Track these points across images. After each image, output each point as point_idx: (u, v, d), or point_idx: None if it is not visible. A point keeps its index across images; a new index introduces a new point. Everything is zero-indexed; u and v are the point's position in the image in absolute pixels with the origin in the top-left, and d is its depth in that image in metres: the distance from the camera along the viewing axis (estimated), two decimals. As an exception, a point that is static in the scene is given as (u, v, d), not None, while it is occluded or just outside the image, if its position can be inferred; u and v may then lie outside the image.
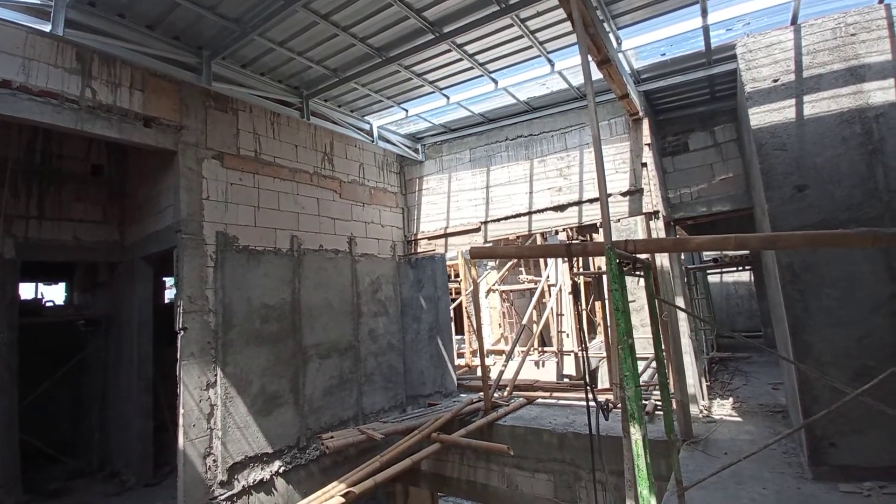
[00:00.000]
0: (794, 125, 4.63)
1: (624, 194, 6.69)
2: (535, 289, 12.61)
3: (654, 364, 7.33)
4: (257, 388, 5.85)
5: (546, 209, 7.41)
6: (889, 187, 4.20)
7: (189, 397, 5.13)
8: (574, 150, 7.28)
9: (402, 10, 4.89)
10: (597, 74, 4.91)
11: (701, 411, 6.20)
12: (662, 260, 6.08)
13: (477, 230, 8.05)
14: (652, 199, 6.44)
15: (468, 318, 13.71)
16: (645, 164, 6.57)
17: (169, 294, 9.66)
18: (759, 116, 4.78)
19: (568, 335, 12.14)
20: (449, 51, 5.75)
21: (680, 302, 6.30)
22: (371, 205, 8.18)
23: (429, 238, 8.62)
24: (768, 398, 6.99)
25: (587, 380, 4.29)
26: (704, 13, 5.07)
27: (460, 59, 5.97)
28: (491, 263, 14.98)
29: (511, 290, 14.77)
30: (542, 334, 12.96)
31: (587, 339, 12.02)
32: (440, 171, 8.62)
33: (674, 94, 6.83)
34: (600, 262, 11.68)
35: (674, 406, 5.29)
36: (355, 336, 7.40)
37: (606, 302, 8.82)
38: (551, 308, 12.20)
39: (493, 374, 9.02)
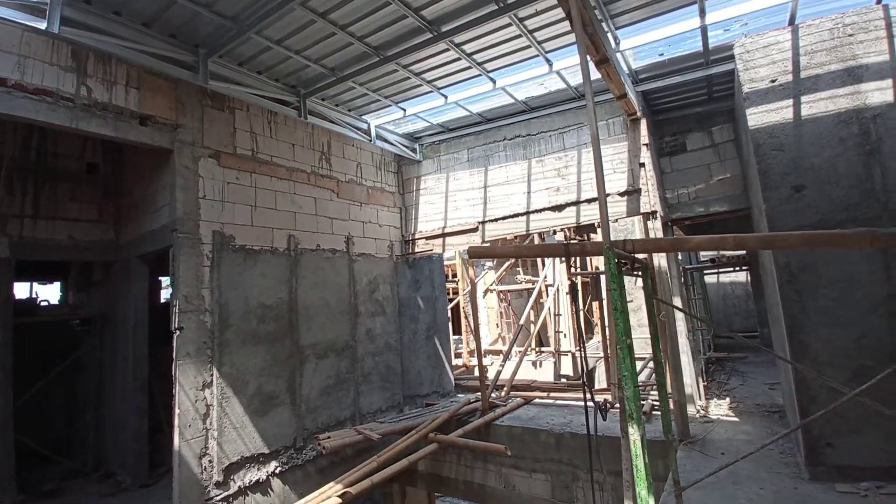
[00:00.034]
0: (792, 126, 4.64)
1: (622, 194, 6.69)
2: (533, 289, 12.61)
3: (651, 364, 7.33)
4: (254, 389, 5.82)
5: (544, 209, 7.41)
6: (886, 188, 4.21)
7: (185, 397, 5.10)
8: (572, 150, 7.28)
9: (400, 8, 4.88)
10: (595, 74, 4.90)
11: (698, 411, 6.20)
12: (660, 260, 6.08)
13: (475, 230, 8.04)
14: (650, 199, 6.44)
15: (466, 318, 13.70)
16: (643, 165, 6.58)
17: (165, 294, 9.60)
18: (757, 117, 4.78)
19: (565, 335, 12.15)
20: (447, 50, 5.74)
21: (677, 302, 6.30)
22: (369, 204, 8.15)
23: (426, 238, 8.61)
24: (765, 398, 7.00)
25: (585, 380, 4.28)
26: (702, 13, 5.07)
27: (458, 59, 5.95)
28: (488, 263, 14.98)
29: (508, 290, 14.77)
30: (540, 334, 12.97)
31: (584, 339, 12.02)
32: (438, 171, 8.60)
33: (672, 95, 6.84)
34: (598, 262, 11.70)
35: (671, 406, 5.29)
36: (352, 336, 7.38)
37: (604, 302, 8.83)
38: (549, 308, 12.21)
39: (491, 375, 9.01)
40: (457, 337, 14.58)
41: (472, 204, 8.13)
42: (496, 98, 7.22)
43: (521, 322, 10.99)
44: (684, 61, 6.14)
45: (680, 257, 8.47)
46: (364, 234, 7.94)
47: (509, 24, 5.29)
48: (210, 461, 5.21)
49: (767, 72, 4.82)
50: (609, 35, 5.27)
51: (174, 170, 5.41)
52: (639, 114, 6.45)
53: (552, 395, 7.97)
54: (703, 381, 7.68)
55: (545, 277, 12.56)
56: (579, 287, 12.72)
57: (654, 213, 6.39)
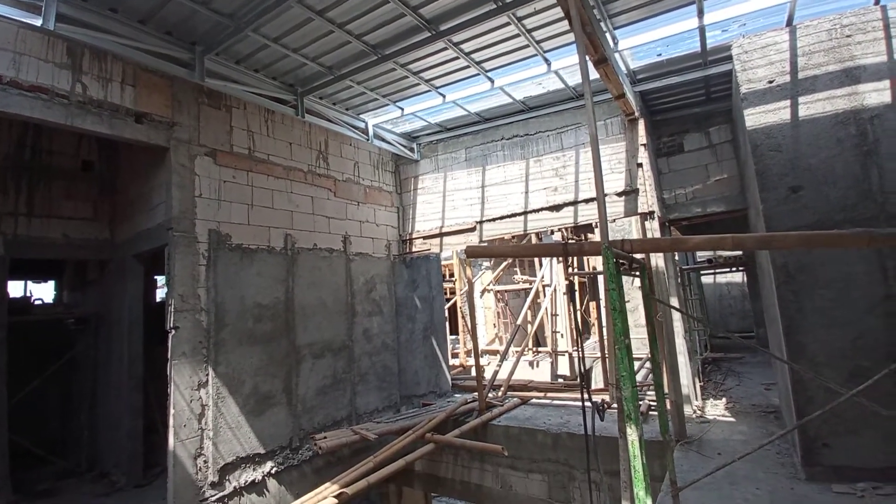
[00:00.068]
0: (790, 126, 4.64)
1: (619, 194, 6.69)
2: (530, 289, 12.60)
3: (647, 364, 7.34)
4: (250, 388, 5.79)
5: (542, 209, 7.40)
6: (883, 189, 4.22)
7: (180, 397, 5.06)
8: (570, 150, 7.27)
9: (398, 7, 4.86)
10: (593, 74, 4.90)
11: (694, 411, 6.21)
12: (657, 260, 6.08)
13: (472, 230, 8.02)
14: (647, 199, 6.44)
15: (463, 317, 13.68)
16: (641, 165, 6.58)
17: (160, 293, 9.55)
18: (755, 117, 4.79)
19: (562, 335, 12.14)
20: (445, 49, 5.72)
21: (674, 302, 6.31)
22: (366, 204, 8.13)
23: (424, 237, 8.59)
24: (761, 399, 7.01)
25: (582, 380, 4.27)
26: (700, 14, 5.07)
27: (456, 58, 5.94)
28: (486, 263, 14.97)
29: (506, 290, 14.76)
30: (537, 334, 12.96)
31: (582, 339, 12.02)
32: (436, 171, 8.58)
33: (669, 95, 6.84)
34: (595, 262, 11.70)
35: (668, 406, 5.29)
36: (349, 336, 7.35)
37: (601, 302, 8.83)
38: (546, 308, 12.20)
39: (488, 375, 8.99)
40: (454, 337, 14.56)
41: (470, 204, 8.11)
42: (494, 98, 7.21)
43: (519, 322, 10.97)
44: (682, 62, 6.15)
45: (677, 257, 8.48)
46: (361, 234, 7.92)
47: (508, 24, 5.28)
48: (205, 461, 5.18)
49: (765, 72, 4.83)
50: (607, 35, 5.27)
51: (170, 168, 5.37)
52: (637, 114, 6.45)
53: (549, 395, 7.96)
54: (700, 382, 7.69)
55: (542, 277, 12.55)
56: (576, 287, 12.72)
57: (651, 213, 6.39)
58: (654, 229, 6.36)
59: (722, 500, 3.94)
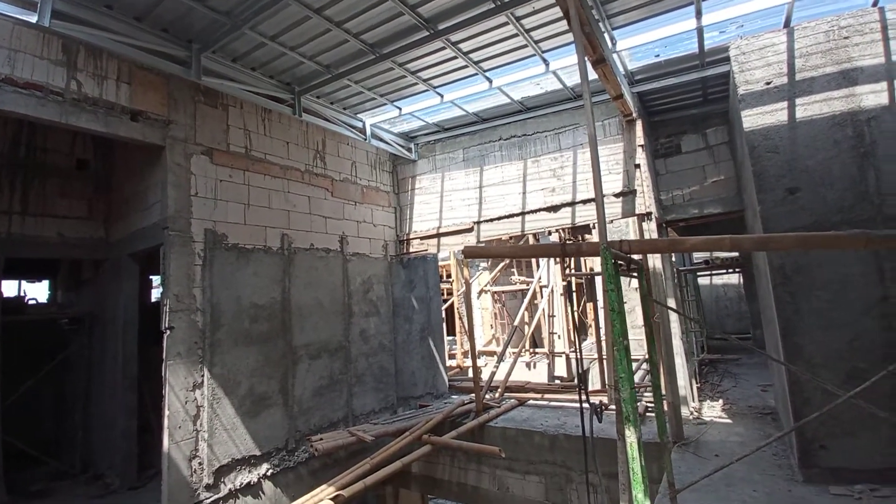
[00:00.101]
0: (787, 128, 4.65)
1: (617, 195, 6.68)
2: (527, 290, 12.60)
3: (644, 366, 7.33)
4: (245, 389, 5.75)
5: (539, 210, 7.39)
6: (880, 190, 4.22)
7: (175, 398, 5.02)
8: (568, 151, 7.26)
9: (396, 5, 4.84)
10: (591, 75, 4.89)
11: (691, 413, 6.21)
12: (655, 261, 6.08)
13: (470, 230, 8.00)
14: (645, 200, 6.44)
15: (460, 318, 13.65)
16: (638, 166, 6.58)
17: (156, 292, 9.49)
18: (752, 119, 4.79)
19: (559, 336, 12.14)
20: (443, 48, 5.70)
21: (672, 304, 6.30)
22: (363, 204, 8.10)
23: (421, 238, 8.56)
24: (757, 400, 7.02)
25: (580, 381, 4.25)
26: (699, 15, 5.07)
27: (455, 57, 5.92)
28: (483, 264, 14.96)
29: (503, 291, 14.76)
30: (534, 336, 12.95)
31: (580, 340, 12.02)
32: (433, 171, 8.56)
33: (667, 96, 6.85)
34: (592, 263, 11.71)
35: (664, 408, 5.28)
36: (346, 336, 7.32)
37: (598, 303, 8.82)
38: (543, 309, 12.19)
39: (485, 376, 8.97)
40: (451, 338, 14.53)
41: (468, 204, 8.09)
42: (492, 98, 7.19)
43: (516, 323, 10.96)
44: (680, 63, 6.15)
45: (674, 259, 8.49)
46: (358, 234, 7.89)
47: (506, 23, 5.27)
48: (200, 463, 5.13)
49: (763, 74, 4.83)
50: (605, 35, 5.26)
51: (166, 167, 5.34)
52: (634, 115, 6.45)
53: (546, 396, 7.95)
54: (697, 383, 7.69)
55: (540, 279, 12.55)
56: (574, 288, 12.72)
57: (649, 214, 6.39)
58: (651, 230, 6.36)
59: (719, 501, 3.93)
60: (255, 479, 5.67)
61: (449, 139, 8.41)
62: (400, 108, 7.38)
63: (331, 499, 4.83)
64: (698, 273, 14.14)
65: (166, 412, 4.95)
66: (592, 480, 4.83)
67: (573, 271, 11.90)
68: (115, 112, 4.98)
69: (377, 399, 7.72)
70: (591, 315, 11.44)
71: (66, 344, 7.18)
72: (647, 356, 5.79)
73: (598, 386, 8.22)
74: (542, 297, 12.40)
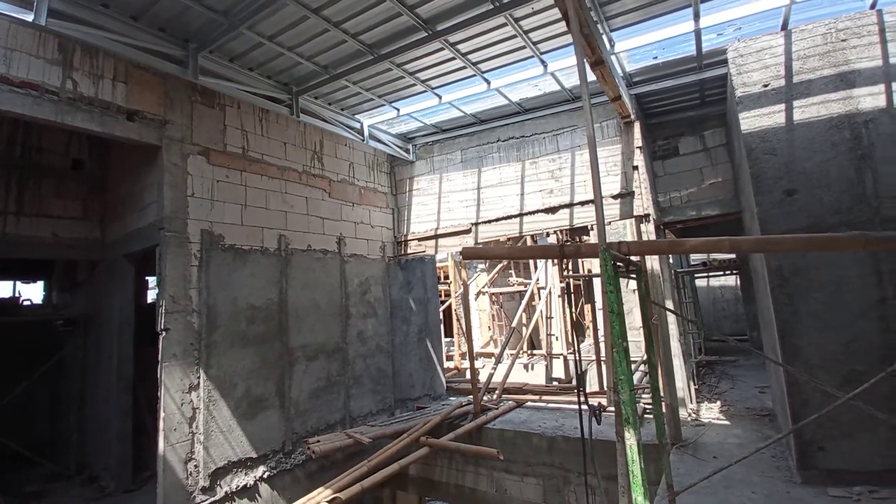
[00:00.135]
0: (784, 130, 4.66)
1: (615, 197, 6.68)
2: (525, 291, 12.59)
3: (642, 367, 7.33)
4: (242, 391, 5.71)
5: (537, 211, 7.38)
6: (878, 193, 4.23)
7: (170, 400, 4.98)
8: (566, 153, 7.26)
9: (394, 6, 4.82)
10: (590, 76, 4.89)
11: (689, 415, 6.20)
12: (653, 263, 6.08)
13: (468, 231, 7.99)
14: (643, 202, 6.44)
15: (457, 320, 13.64)
16: (636, 167, 6.58)
17: (152, 294, 9.44)
18: (750, 121, 4.80)
19: (557, 338, 12.14)
20: (441, 49, 5.69)
21: (669, 305, 6.30)
22: (361, 205, 8.07)
23: (419, 239, 8.54)
24: (755, 401, 7.03)
25: (579, 383, 4.24)
26: (697, 17, 5.08)
27: (453, 58, 5.91)
28: (481, 265, 14.95)
29: (501, 293, 14.75)
30: (532, 337, 12.94)
31: (579, 342, 12.02)
32: (431, 172, 8.55)
33: (664, 98, 6.86)
34: (590, 264, 11.71)
35: (663, 409, 5.28)
36: (343, 338, 7.28)
37: (596, 305, 8.82)
38: (541, 311, 12.19)
39: (483, 377, 8.96)
40: (448, 339, 14.52)
41: (465, 205, 8.08)
42: (490, 99, 7.19)
43: (514, 325, 10.95)
44: (678, 65, 6.16)
45: (671, 260, 8.50)
46: (356, 235, 7.86)
47: (504, 24, 5.26)
48: (196, 466, 5.09)
49: (760, 76, 4.85)
50: (604, 37, 5.26)
51: (162, 167, 5.30)
52: (632, 117, 6.46)
53: (544, 398, 7.94)
54: (695, 385, 7.69)
55: (537, 280, 12.55)
56: (572, 290, 12.72)
57: (647, 216, 6.39)
58: (649, 232, 6.36)
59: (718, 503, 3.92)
60: (252, 482, 5.62)
61: (447, 140, 8.40)
62: (398, 109, 7.37)
63: (328, 501, 4.80)
64: (696, 275, 14.17)
65: (162, 414, 4.91)
66: (591, 482, 4.82)
67: (571, 273, 11.90)
68: (110, 111, 4.94)
69: (374, 401, 7.68)
70: (588, 317, 11.44)
71: (60, 345, 7.13)
72: (644, 358, 5.78)
73: (595, 388, 8.22)
74: (539, 298, 12.40)
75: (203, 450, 5.17)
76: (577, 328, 12.26)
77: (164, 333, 5.04)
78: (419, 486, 6.99)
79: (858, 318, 4.17)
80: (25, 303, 7.68)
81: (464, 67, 6.13)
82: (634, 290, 5.70)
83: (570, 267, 12.16)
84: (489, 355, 13.12)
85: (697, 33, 5.35)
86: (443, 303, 11.92)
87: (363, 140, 7.75)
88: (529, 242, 11.62)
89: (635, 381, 8.18)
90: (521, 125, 7.68)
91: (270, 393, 6.05)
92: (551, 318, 12.21)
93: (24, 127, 6.52)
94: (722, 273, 14.37)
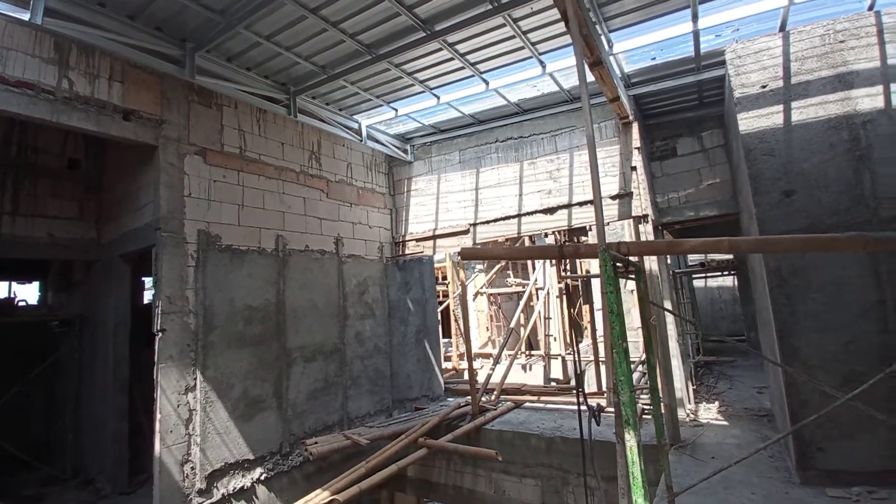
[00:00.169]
0: (782, 131, 4.67)
1: (613, 198, 6.68)
2: (523, 292, 12.59)
3: (640, 367, 7.33)
4: (239, 392, 5.68)
5: (535, 212, 7.37)
6: (876, 194, 4.24)
7: (166, 402, 4.94)
8: (564, 153, 7.26)
9: (393, 6, 4.81)
10: (588, 77, 4.88)
11: (688, 415, 6.20)
12: (651, 263, 6.08)
13: (466, 232, 7.98)
14: (641, 202, 6.44)
15: (455, 320, 13.62)
16: (634, 168, 6.58)
17: (148, 294, 9.39)
18: (748, 122, 4.81)
19: (555, 339, 12.14)
20: (440, 49, 5.68)
21: (668, 306, 6.30)
22: (359, 205, 8.05)
23: (417, 240, 8.52)
24: (753, 402, 7.03)
25: (579, 384, 4.23)
26: (695, 18, 5.08)
27: (451, 59, 5.90)
28: (479, 266, 14.94)
29: (499, 294, 14.74)
30: (530, 338, 12.94)
31: (573, 342, 12.01)
32: (429, 173, 8.53)
33: (662, 99, 6.87)
34: (588, 265, 11.71)
35: (661, 410, 5.27)
36: (341, 339, 7.26)
37: (594, 305, 8.82)
38: (539, 311, 12.19)
39: (481, 378, 8.94)
40: (446, 340, 14.50)
41: (464, 206, 8.07)
42: (488, 100, 7.18)
43: (512, 325, 10.95)
44: (676, 66, 6.16)
45: (669, 261, 8.50)
46: (354, 236, 7.83)
47: (503, 25, 5.25)
48: (192, 468, 5.06)
49: (758, 77, 4.85)
50: (602, 38, 5.26)
51: (158, 167, 5.27)
52: (631, 117, 6.46)
53: (542, 398, 7.93)
54: (693, 385, 7.70)
55: (535, 281, 12.55)
56: (570, 290, 12.72)
57: (645, 216, 6.39)
58: (647, 232, 6.36)
59: (717, 505, 3.92)
60: (249, 484, 5.59)
61: (445, 141, 8.39)
62: (396, 110, 7.35)
63: (326, 503, 4.77)
64: (693, 276, 14.19)
65: (158, 416, 4.87)
66: (590, 483, 4.81)
67: (569, 273, 11.90)
68: (106, 111, 4.91)
69: (372, 402, 7.66)
70: (586, 317, 11.43)
71: (56, 346, 7.08)
72: (642, 358, 5.78)
73: (593, 388, 8.21)
74: (537, 299, 12.40)
75: (200, 452, 5.14)
76: (576, 328, 12.26)
77: (160, 334, 5.00)
78: (417, 488, 6.97)
79: (857, 319, 4.18)
80: (21, 303, 7.61)
81: (462, 68, 6.12)
82: (632, 291, 5.69)
83: (568, 267, 12.16)
84: (487, 356, 13.11)
85: (696, 34, 5.36)
86: (441, 303, 11.91)
87: (361, 140, 7.73)
88: (527, 243, 11.62)
89: (634, 382, 8.18)
90: (519, 126, 7.68)
91: (268, 394, 6.02)
92: (549, 318, 12.21)
93: (19, 126, 6.47)
94: (720, 273, 14.40)
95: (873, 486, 3.80)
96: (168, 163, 5.34)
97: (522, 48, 5.72)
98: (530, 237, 10.92)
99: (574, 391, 8.51)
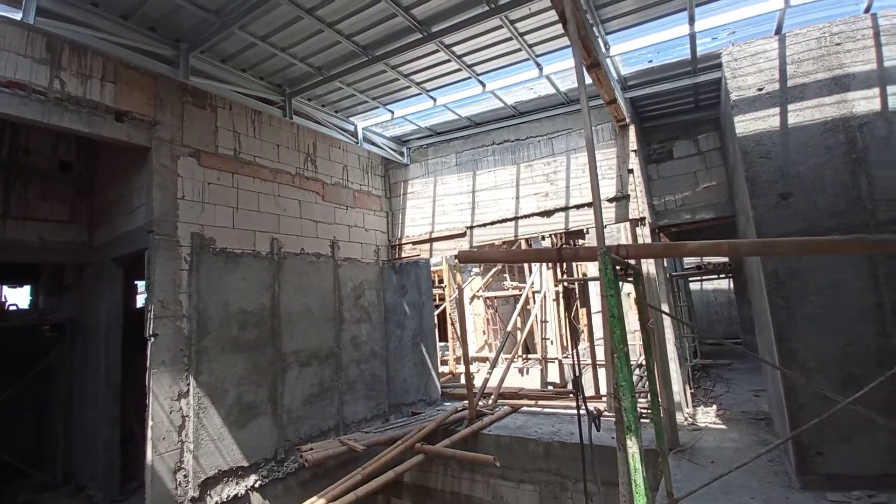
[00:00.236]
0: (779, 133, 4.66)
1: (610, 200, 6.67)
2: (520, 295, 12.55)
3: (638, 371, 7.30)
4: (233, 398, 5.59)
5: (532, 214, 7.35)
6: (873, 196, 4.23)
7: (159, 408, 4.85)
8: (561, 156, 7.25)
9: (389, 6, 4.78)
10: (586, 79, 4.86)
11: (686, 419, 6.17)
12: (648, 266, 6.06)
13: (462, 235, 7.94)
14: (638, 205, 6.43)
15: (452, 324, 13.57)
16: (631, 171, 6.58)
17: (140, 298, 9.27)
18: (745, 124, 4.80)
19: (552, 342, 12.10)
20: (436, 51, 5.65)
21: (665, 309, 6.28)
22: (355, 208, 8.00)
23: (413, 243, 8.48)
24: (750, 405, 7.02)
25: (577, 388, 4.18)
26: (692, 21, 5.08)
27: (448, 61, 5.87)
28: (475, 269, 14.90)
29: (495, 297, 14.70)
30: (527, 341, 12.90)
31: (571, 346, 11.99)
32: (426, 175, 8.50)
33: (659, 102, 6.87)
34: (584, 268, 11.70)
35: (661, 414, 5.24)
36: (337, 343, 7.18)
37: (590, 308, 8.79)
38: (535, 315, 12.15)
39: (478, 382, 8.89)
40: (443, 344, 14.42)
41: (460, 209, 8.04)
42: (485, 102, 7.16)
43: (508, 329, 10.90)
44: (672, 69, 6.17)
45: (666, 264, 8.50)
46: (350, 239, 7.78)
47: (500, 27, 5.23)
48: (185, 476, 4.96)
49: (755, 80, 4.86)
50: (599, 40, 5.25)
51: (151, 168, 5.20)
52: (627, 120, 6.45)
53: (540, 403, 7.88)
54: (690, 389, 7.68)
55: (532, 284, 12.52)
56: (567, 294, 12.70)
57: (642, 219, 6.38)
58: (645, 235, 6.35)
59: (717, 510, 3.88)
60: (243, 492, 5.50)
61: (441, 143, 8.36)
62: (392, 112, 7.31)
63: (321, 511, 4.70)
64: (690, 278, 14.20)
65: (150, 423, 4.78)
66: (589, 489, 4.76)
67: (565, 276, 11.88)
68: (99, 112, 4.84)
69: (369, 407, 7.58)
70: (583, 320, 11.41)
71: (47, 351, 6.97)
72: (640, 362, 5.75)
73: (591, 392, 8.17)
74: (534, 302, 12.37)
75: (192, 459, 5.05)
76: (574, 332, 12.23)
77: (152, 339, 4.92)
78: (414, 494, 6.89)
79: (855, 322, 4.16)
80: (11, 307, 7.50)
81: (459, 70, 6.10)
82: (629, 294, 5.67)
83: (564, 270, 12.15)
84: (484, 360, 13.06)
85: (692, 37, 5.36)
86: (437, 307, 11.85)
87: (357, 143, 7.69)
88: (524, 246, 11.60)
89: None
90: (515, 128, 7.66)
91: (262, 400, 5.94)
92: (546, 322, 12.18)
93: (10, 128, 6.38)
94: (716, 276, 14.42)
95: (873, 490, 3.77)
96: (161, 165, 5.27)
97: (519, 50, 5.71)
98: (527, 240, 10.90)
99: (571, 395, 8.47)
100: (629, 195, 6.54)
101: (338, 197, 7.68)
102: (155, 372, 4.87)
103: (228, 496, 5.32)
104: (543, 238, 8.06)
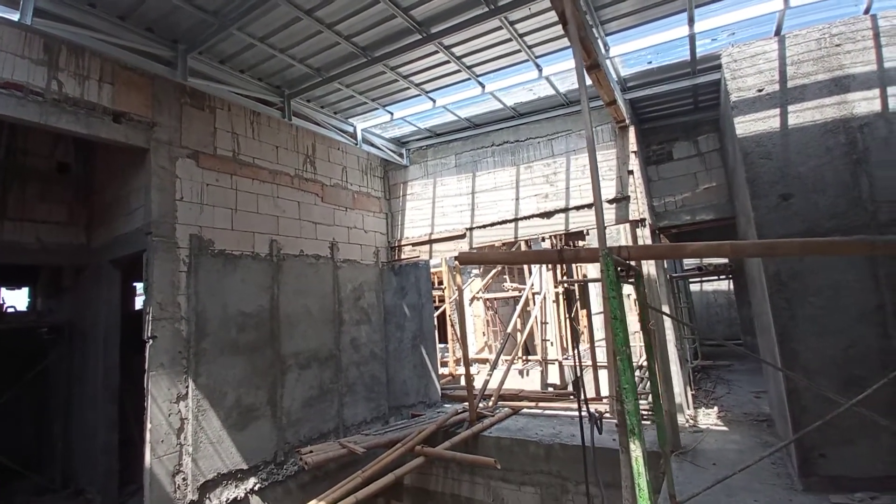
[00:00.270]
0: (779, 134, 4.65)
1: (610, 202, 6.65)
2: (520, 297, 12.53)
3: (638, 372, 7.28)
4: (232, 401, 5.56)
5: (532, 216, 7.34)
6: (874, 197, 4.23)
7: (157, 411, 4.82)
8: (560, 157, 7.24)
9: (388, 7, 4.76)
10: (586, 80, 4.85)
11: (687, 421, 6.15)
12: (649, 268, 6.05)
13: (462, 236, 7.92)
14: (638, 206, 6.42)
15: (452, 326, 13.54)
16: (631, 172, 6.56)
17: (139, 300, 9.24)
18: (745, 126, 4.80)
19: (552, 344, 12.07)
20: (436, 52, 5.64)
21: (666, 310, 6.26)
22: (354, 209, 7.98)
23: (413, 244, 8.46)
24: (752, 407, 7.00)
25: (578, 390, 4.16)
26: (691, 22, 5.08)
27: (447, 62, 5.86)
28: (475, 271, 14.88)
29: (495, 298, 14.67)
30: (527, 343, 12.87)
31: (571, 347, 11.96)
32: (425, 177, 8.48)
33: (658, 103, 6.87)
34: (584, 269, 11.68)
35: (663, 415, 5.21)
36: (336, 345, 7.15)
37: (591, 309, 8.77)
38: (535, 316, 12.13)
39: (478, 384, 8.86)
40: (443, 345, 14.38)
41: (460, 210, 8.02)
42: (485, 103, 7.15)
43: (509, 330, 10.88)
44: (672, 70, 6.17)
45: (666, 265, 8.48)
46: (349, 240, 7.75)
47: (500, 28, 5.22)
48: (184, 479, 4.93)
49: (754, 81, 4.85)
50: (599, 41, 5.24)
51: (150, 170, 5.17)
52: (627, 121, 6.44)
53: (540, 404, 7.86)
54: (691, 390, 7.66)
55: (532, 285, 12.50)
56: (567, 295, 12.68)
57: (642, 220, 6.37)
58: (644, 237, 6.33)
59: (719, 512, 3.86)
60: (242, 495, 5.46)
61: (441, 145, 8.35)
62: (391, 113, 7.30)
63: (320, 514, 4.67)
64: (690, 280, 14.20)
65: (148, 425, 4.75)
66: (591, 491, 4.73)
67: (564, 278, 11.87)
68: (96, 113, 4.82)
69: (368, 409, 7.55)
70: (583, 322, 11.39)
71: (45, 353, 6.93)
72: (641, 363, 5.73)
73: (591, 394, 8.15)
74: (534, 303, 12.35)
75: (191, 462, 5.01)
76: (574, 333, 12.21)
77: (150, 341, 4.89)
78: (414, 496, 6.86)
79: (856, 323, 4.15)
80: (9, 309, 7.47)
81: (458, 71, 6.08)
82: (629, 295, 5.65)
83: (564, 271, 12.13)
84: (484, 361, 13.03)
85: (692, 38, 5.35)
86: (437, 308, 11.82)
87: (356, 144, 7.67)
88: (524, 247, 11.58)
89: (631, 387, 8.12)
90: (515, 129, 7.65)
91: (262, 402, 5.91)
92: (546, 323, 12.15)
93: (8, 129, 6.36)
94: (716, 278, 14.42)
95: (876, 492, 3.76)
96: (159, 166, 5.25)
97: (519, 51, 5.70)
98: (527, 242, 10.89)
99: (572, 396, 8.44)
100: (629, 196, 6.53)
101: (337, 198, 7.66)
102: (153, 374, 4.84)
103: (228, 499, 5.29)
104: (543, 239, 8.04)
